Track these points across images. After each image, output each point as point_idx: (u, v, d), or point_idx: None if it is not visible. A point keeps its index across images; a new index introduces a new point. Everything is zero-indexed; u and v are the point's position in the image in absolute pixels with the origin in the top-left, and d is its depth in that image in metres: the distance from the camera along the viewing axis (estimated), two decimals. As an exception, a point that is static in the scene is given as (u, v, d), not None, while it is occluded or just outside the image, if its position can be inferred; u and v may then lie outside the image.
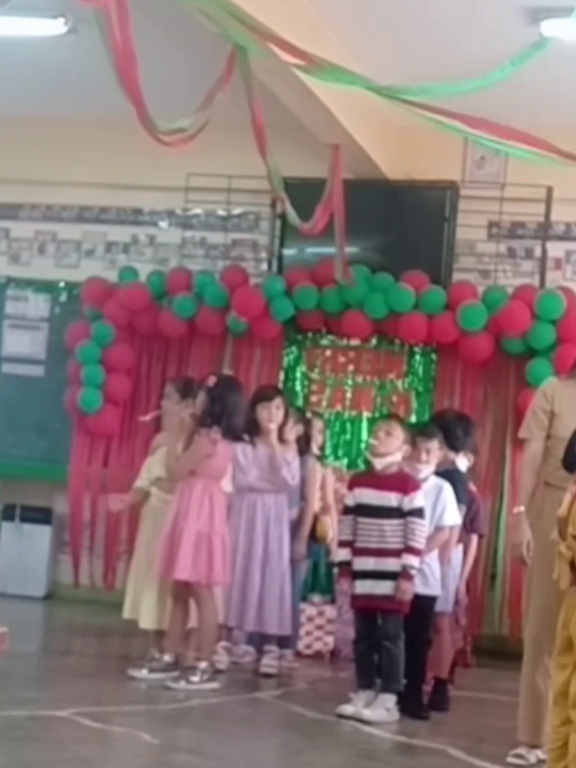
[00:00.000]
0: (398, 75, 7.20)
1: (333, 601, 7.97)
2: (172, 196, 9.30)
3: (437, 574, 6.55)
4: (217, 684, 6.54)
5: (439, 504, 6.52)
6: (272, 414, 7.07)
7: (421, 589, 6.38)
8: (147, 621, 6.82)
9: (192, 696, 6.32)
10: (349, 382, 8.98)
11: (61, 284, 9.60)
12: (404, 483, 6.31)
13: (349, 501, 6.46)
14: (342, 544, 6.47)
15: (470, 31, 6.98)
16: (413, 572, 6.21)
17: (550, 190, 8.55)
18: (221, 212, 9.32)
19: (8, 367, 9.68)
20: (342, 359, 9.01)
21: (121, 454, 9.10)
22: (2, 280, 9.73)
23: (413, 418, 8.72)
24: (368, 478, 6.47)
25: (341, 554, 6.46)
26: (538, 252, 8.78)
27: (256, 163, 6.28)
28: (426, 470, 6.55)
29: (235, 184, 9.05)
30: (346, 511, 6.49)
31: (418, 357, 8.87)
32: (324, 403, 8.89)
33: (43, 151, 9.44)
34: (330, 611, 7.94)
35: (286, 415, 7.20)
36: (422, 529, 6.26)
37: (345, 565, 6.41)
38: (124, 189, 9.41)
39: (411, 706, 6.31)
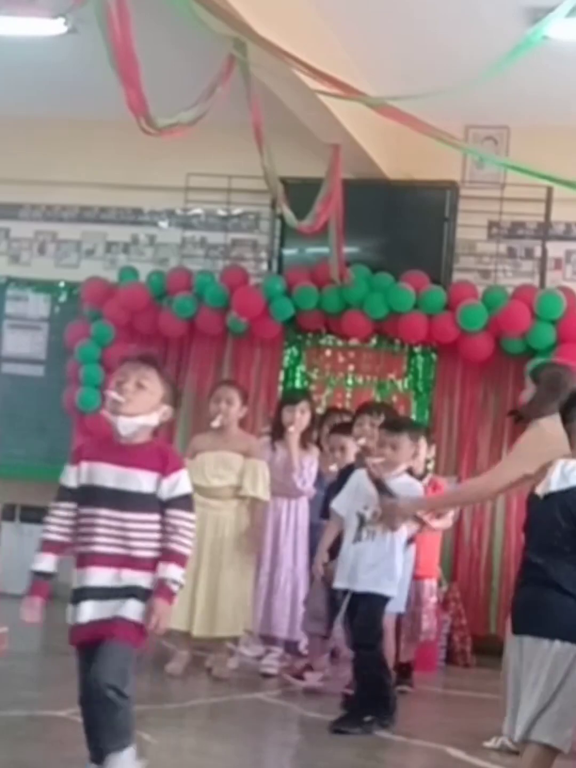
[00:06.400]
0: (397, 75, 7.24)
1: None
2: (172, 196, 9.29)
3: (397, 574, 6.02)
4: None
5: None
6: (295, 417, 7.00)
7: (372, 587, 5.91)
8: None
9: (192, 696, 6.33)
10: (349, 382, 8.98)
11: (61, 284, 9.59)
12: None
13: None
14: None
15: (470, 31, 6.98)
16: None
17: (550, 190, 8.53)
18: (221, 212, 9.31)
19: (8, 367, 9.67)
20: (342, 359, 9.01)
21: (121, 454, 9.08)
22: (2, 280, 9.72)
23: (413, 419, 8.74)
24: None
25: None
26: (538, 252, 8.77)
27: (256, 163, 6.29)
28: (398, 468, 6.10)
29: (235, 184, 9.04)
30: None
31: (418, 357, 8.86)
32: (324, 403, 8.88)
33: (43, 151, 9.42)
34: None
35: (313, 420, 7.14)
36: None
37: None
38: (124, 189, 9.39)
39: (352, 717, 5.89)
